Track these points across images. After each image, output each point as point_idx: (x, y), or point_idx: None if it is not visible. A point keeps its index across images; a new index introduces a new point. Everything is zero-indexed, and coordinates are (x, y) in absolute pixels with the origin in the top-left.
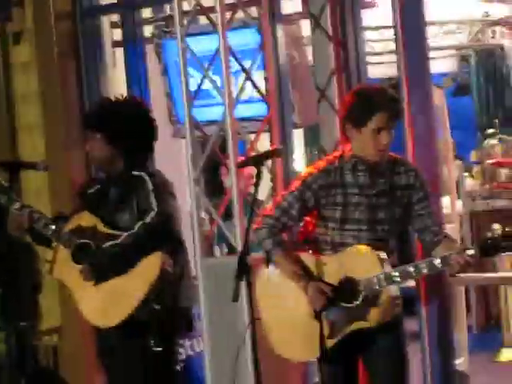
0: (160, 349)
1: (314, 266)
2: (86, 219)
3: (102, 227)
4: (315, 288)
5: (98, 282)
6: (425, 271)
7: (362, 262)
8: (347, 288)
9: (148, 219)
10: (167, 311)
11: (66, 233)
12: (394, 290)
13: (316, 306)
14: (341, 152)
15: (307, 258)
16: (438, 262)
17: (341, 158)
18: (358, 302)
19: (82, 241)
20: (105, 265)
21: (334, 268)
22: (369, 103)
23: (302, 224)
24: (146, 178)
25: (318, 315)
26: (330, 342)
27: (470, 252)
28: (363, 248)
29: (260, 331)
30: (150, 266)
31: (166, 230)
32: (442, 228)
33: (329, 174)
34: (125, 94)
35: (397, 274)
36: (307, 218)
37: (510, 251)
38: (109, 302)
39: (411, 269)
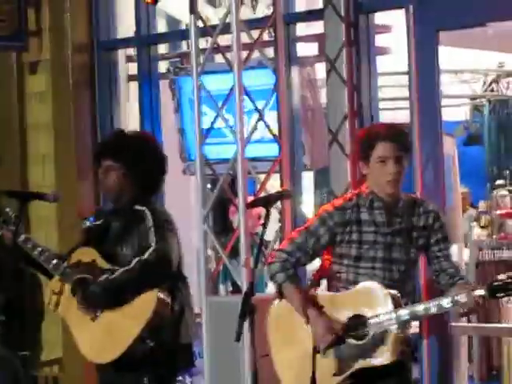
0: None
1: (325, 303)
2: (87, 254)
3: (101, 262)
4: (323, 325)
5: (92, 312)
6: (433, 311)
7: (372, 298)
8: (355, 325)
9: (145, 256)
10: (165, 348)
11: (65, 267)
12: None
13: (321, 344)
14: (359, 190)
15: (318, 294)
16: (446, 301)
17: (358, 195)
18: (365, 341)
19: (80, 276)
20: (98, 297)
21: (344, 305)
22: (370, 134)
23: (317, 260)
24: (148, 213)
25: (314, 353)
26: (335, 380)
27: (480, 292)
28: (374, 285)
29: (267, 367)
30: (145, 304)
31: (162, 267)
32: (459, 271)
33: (345, 212)
34: (137, 129)
35: (406, 312)
36: (325, 256)
37: None
38: (104, 339)
39: (420, 308)
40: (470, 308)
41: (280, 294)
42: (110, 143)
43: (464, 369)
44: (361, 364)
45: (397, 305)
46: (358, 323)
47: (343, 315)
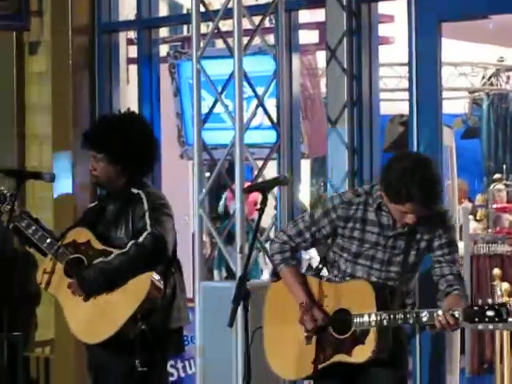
0: (145, 369)
1: (317, 290)
2: (82, 234)
3: (96, 243)
4: (309, 312)
5: (87, 297)
6: (411, 321)
7: (359, 297)
8: (340, 319)
9: (140, 239)
10: (156, 331)
11: (59, 246)
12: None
13: (306, 329)
14: (370, 187)
15: (312, 280)
16: (424, 314)
17: (369, 193)
18: (346, 336)
19: (74, 255)
20: (93, 281)
21: (334, 296)
22: (402, 192)
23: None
24: (143, 196)
25: (309, 336)
26: (312, 368)
27: (455, 314)
28: (364, 284)
29: (261, 353)
30: (139, 286)
31: (158, 251)
32: (459, 279)
33: (350, 207)
34: (129, 110)
35: (386, 316)
36: None
37: (492, 323)
38: (96, 319)
39: (400, 316)
40: (442, 326)
41: (276, 275)
42: (92, 134)
43: (456, 361)
44: (338, 358)
45: (383, 307)
46: (342, 318)
47: (330, 306)
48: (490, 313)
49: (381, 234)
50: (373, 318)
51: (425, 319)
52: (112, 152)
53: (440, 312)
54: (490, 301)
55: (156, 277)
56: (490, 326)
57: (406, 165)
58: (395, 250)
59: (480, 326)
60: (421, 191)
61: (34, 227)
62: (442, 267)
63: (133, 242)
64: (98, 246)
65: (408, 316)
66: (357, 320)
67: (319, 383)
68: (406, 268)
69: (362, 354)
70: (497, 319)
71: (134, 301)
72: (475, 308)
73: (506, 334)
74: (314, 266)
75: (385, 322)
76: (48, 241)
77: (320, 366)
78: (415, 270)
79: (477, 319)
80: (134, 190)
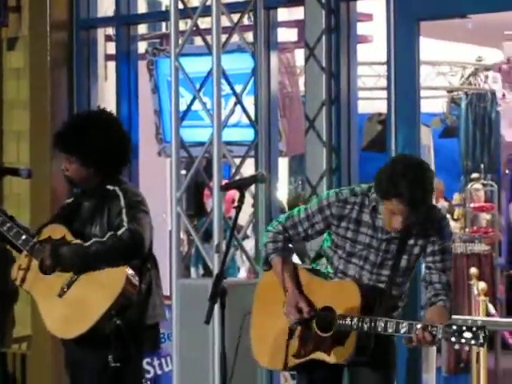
0: (118, 364)
1: (306, 284)
2: (57, 231)
3: (71, 238)
4: (295, 303)
5: (53, 269)
6: (390, 331)
7: (345, 297)
8: (324, 317)
9: (119, 233)
10: (131, 327)
11: (35, 243)
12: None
13: (290, 320)
14: (368, 188)
15: (303, 273)
16: (404, 325)
17: (365, 194)
18: (327, 335)
19: (49, 251)
20: (66, 258)
21: (322, 293)
22: (391, 186)
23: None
24: (120, 193)
25: (291, 330)
26: (293, 361)
27: (433, 332)
28: (352, 285)
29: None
30: (114, 281)
31: (135, 246)
32: (446, 289)
33: (345, 206)
34: (114, 109)
35: (367, 322)
36: None
37: (468, 345)
38: (71, 315)
39: (381, 324)
40: (418, 342)
41: (268, 264)
42: (63, 136)
43: (432, 360)
44: (317, 355)
45: (369, 310)
46: (326, 316)
47: (317, 302)
48: (467, 334)
49: (374, 236)
50: (355, 321)
51: (403, 330)
52: (83, 155)
53: (419, 326)
54: (469, 321)
55: (131, 272)
56: (466, 348)
57: (401, 165)
58: (388, 253)
59: (456, 346)
60: (409, 189)
61: (8, 224)
62: (432, 274)
63: (111, 233)
64: (73, 240)
65: (388, 325)
66: (339, 321)
67: (303, 375)
68: (397, 272)
69: (340, 355)
70: (473, 342)
71: (108, 296)
72: (454, 327)
73: None
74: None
75: (365, 328)
76: (23, 237)
77: (298, 361)
78: (407, 275)
79: (453, 339)
80: (110, 187)
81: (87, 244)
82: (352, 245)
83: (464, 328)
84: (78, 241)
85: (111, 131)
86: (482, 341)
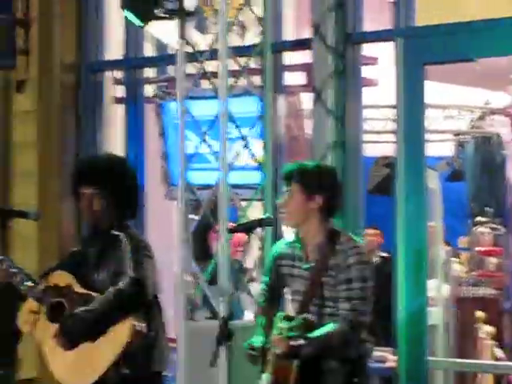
0: None
1: None
2: (63, 278)
3: (77, 287)
4: None
5: (70, 346)
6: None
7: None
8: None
9: (121, 285)
10: (138, 374)
11: (40, 290)
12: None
13: None
14: None
15: None
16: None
17: None
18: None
19: (55, 300)
20: (75, 331)
21: None
22: None
23: None
24: (124, 239)
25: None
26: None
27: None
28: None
29: None
30: (120, 331)
31: (138, 297)
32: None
33: None
34: (121, 152)
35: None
36: None
37: None
38: (79, 365)
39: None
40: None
41: None
42: (92, 171)
43: None
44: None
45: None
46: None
47: None
48: None
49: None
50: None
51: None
52: (111, 188)
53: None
54: None
55: (136, 321)
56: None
57: None
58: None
59: None
60: None
61: (13, 270)
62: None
63: (112, 288)
64: (79, 289)
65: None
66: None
67: None
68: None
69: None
70: None
71: (116, 346)
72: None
73: (487, 377)
74: None
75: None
76: (28, 284)
77: None
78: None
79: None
80: (115, 232)
81: (90, 307)
82: None
83: None
84: (82, 308)
85: (131, 173)
86: None
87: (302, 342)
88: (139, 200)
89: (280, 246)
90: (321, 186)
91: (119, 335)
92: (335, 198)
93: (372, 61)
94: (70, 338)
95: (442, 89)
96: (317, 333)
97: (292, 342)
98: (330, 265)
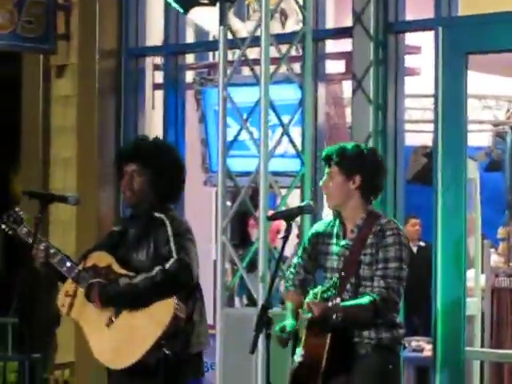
0: None
1: None
2: (102, 258)
3: (117, 267)
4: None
5: (102, 306)
6: None
7: None
8: None
9: (167, 266)
10: (177, 356)
11: (79, 270)
12: None
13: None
14: None
15: None
16: None
17: None
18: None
19: (95, 280)
20: (115, 296)
21: None
22: None
23: None
24: (167, 221)
25: None
26: None
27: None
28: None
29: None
30: (163, 312)
31: (184, 279)
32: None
33: None
34: (161, 137)
35: None
36: None
37: None
38: (120, 345)
39: None
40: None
41: None
42: (137, 149)
43: None
44: None
45: None
46: None
47: None
48: None
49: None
50: None
51: None
52: (156, 168)
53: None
54: None
55: (179, 303)
56: None
57: None
58: None
59: None
60: None
61: (52, 250)
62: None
63: (160, 267)
64: (118, 269)
65: None
66: None
67: None
68: None
69: None
70: None
71: (158, 327)
72: None
73: None
74: None
75: None
76: (68, 264)
77: None
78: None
79: None
80: (157, 214)
81: (136, 281)
82: None
83: None
84: (126, 279)
85: (175, 154)
86: None
87: (338, 300)
88: (181, 184)
89: (319, 225)
90: (360, 166)
91: (161, 316)
92: (375, 177)
93: (415, 50)
94: (106, 298)
95: (480, 79)
96: (350, 302)
97: (329, 303)
98: (368, 243)
